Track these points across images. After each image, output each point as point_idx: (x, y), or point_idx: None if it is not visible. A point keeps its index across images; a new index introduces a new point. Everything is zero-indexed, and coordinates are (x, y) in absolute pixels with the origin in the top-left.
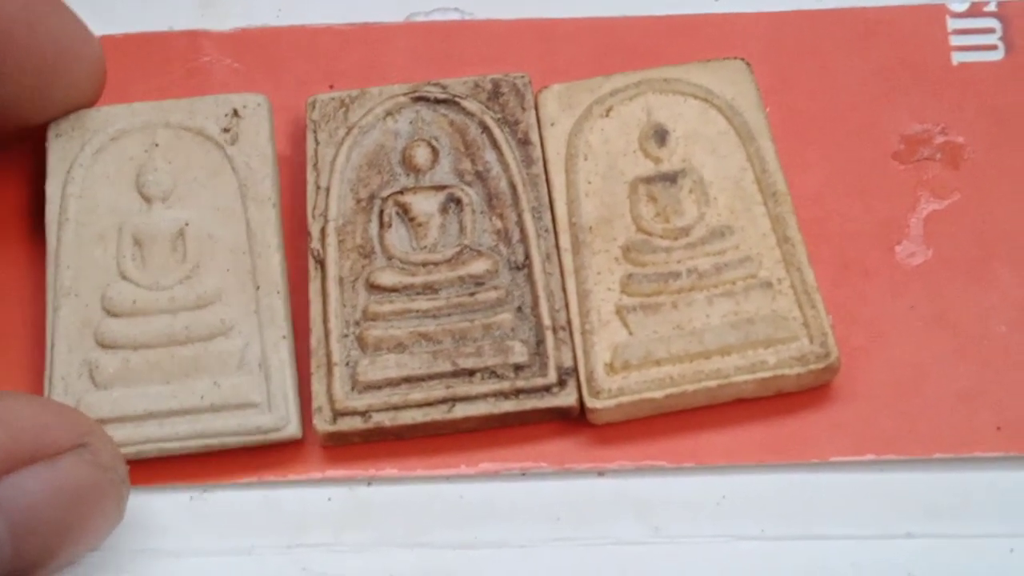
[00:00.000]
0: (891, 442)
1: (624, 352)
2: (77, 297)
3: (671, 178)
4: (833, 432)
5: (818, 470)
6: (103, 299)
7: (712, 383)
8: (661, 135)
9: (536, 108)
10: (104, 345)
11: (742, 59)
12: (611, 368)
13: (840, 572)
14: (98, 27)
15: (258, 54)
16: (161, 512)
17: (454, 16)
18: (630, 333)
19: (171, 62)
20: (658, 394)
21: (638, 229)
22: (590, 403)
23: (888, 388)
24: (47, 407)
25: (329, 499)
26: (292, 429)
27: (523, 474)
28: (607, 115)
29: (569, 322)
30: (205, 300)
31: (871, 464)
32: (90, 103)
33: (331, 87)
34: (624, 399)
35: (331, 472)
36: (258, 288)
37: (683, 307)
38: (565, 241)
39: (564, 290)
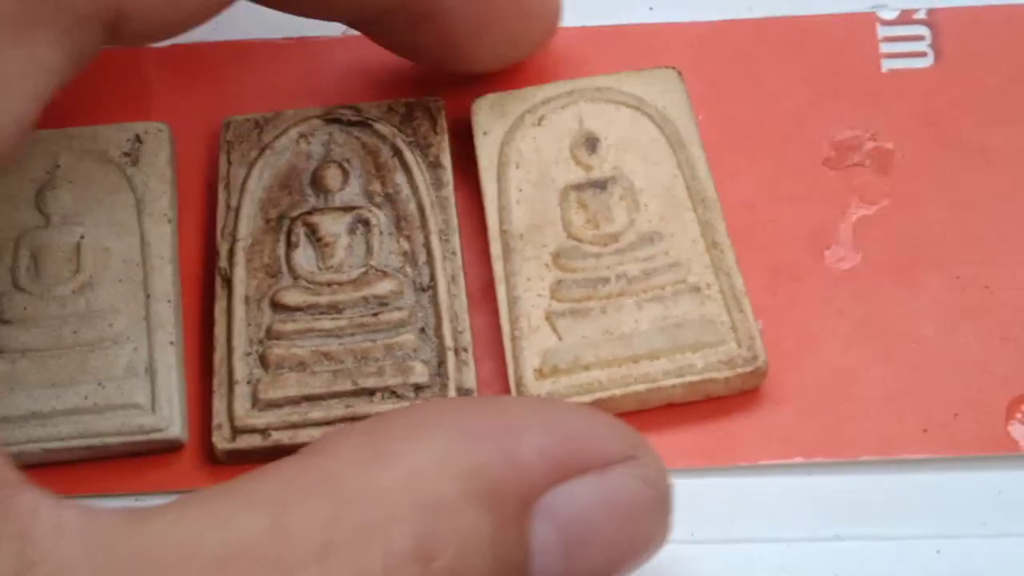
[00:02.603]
0: (819, 445)
1: (553, 357)
2: None
3: (601, 185)
4: (761, 435)
5: (747, 473)
6: None
7: (641, 387)
8: (592, 143)
9: (471, 116)
10: None
11: (673, 68)
12: (540, 373)
13: (769, 574)
14: None
15: (196, 69)
16: None
17: None
18: (559, 338)
19: (110, 77)
20: (587, 398)
21: (568, 236)
22: None
23: (816, 391)
24: (596, 417)
25: None
26: (175, 431)
27: None
28: (539, 124)
29: (500, 328)
30: (95, 307)
31: (799, 467)
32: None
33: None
34: None
35: None
36: (149, 296)
37: (612, 312)
38: (496, 249)
39: (497, 299)
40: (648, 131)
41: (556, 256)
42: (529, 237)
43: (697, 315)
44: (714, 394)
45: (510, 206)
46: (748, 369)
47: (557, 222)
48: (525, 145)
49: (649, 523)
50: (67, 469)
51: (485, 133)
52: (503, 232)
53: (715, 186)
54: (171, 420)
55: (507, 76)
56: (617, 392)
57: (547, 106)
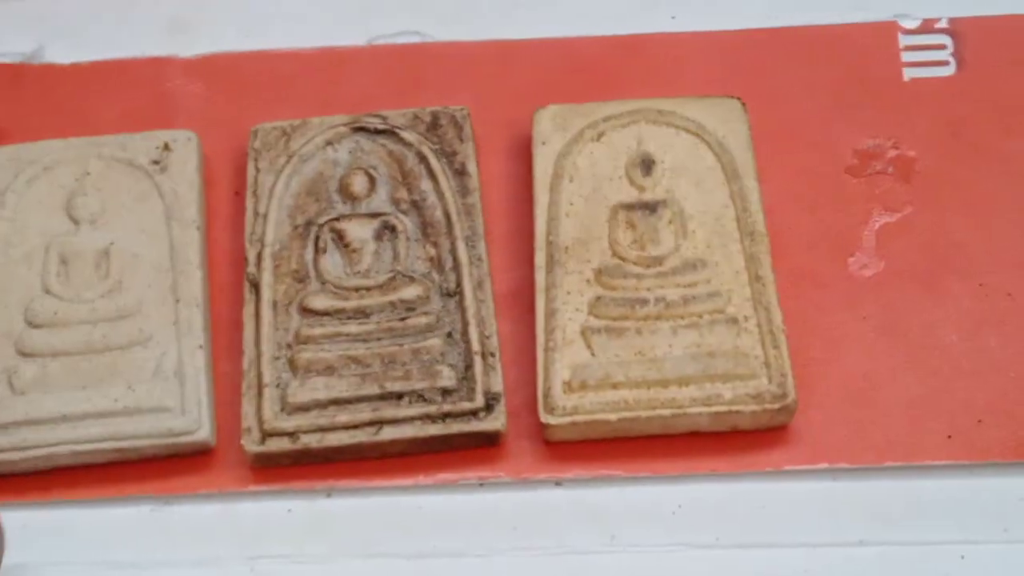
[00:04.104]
0: (844, 451)
1: (583, 372)
2: (1, 310)
3: (652, 207)
4: (787, 441)
5: (772, 479)
6: (26, 311)
7: (666, 412)
8: (647, 164)
9: (532, 126)
10: (23, 353)
11: (738, 99)
12: (569, 387)
13: None
14: (68, 55)
15: (223, 79)
16: (122, 523)
17: (416, 39)
18: (592, 354)
19: (139, 88)
20: (611, 416)
21: (613, 254)
22: (544, 419)
23: (841, 398)
24: None
25: (289, 510)
26: (203, 434)
27: (481, 484)
28: (598, 140)
29: (535, 338)
30: (125, 312)
31: (824, 472)
32: None
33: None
34: (578, 418)
35: (292, 483)
36: (178, 301)
37: (647, 334)
38: (540, 259)
39: (535, 308)
40: (705, 159)
41: (599, 273)
42: (574, 251)
43: (731, 346)
44: (740, 427)
45: (559, 218)
46: (776, 406)
47: (604, 239)
48: (582, 160)
49: None
50: (97, 471)
51: (543, 143)
52: (549, 243)
53: (765, 221)
54: (200, 423)
55: (532, 87)
56: (643, 414)
57: (608, 123)
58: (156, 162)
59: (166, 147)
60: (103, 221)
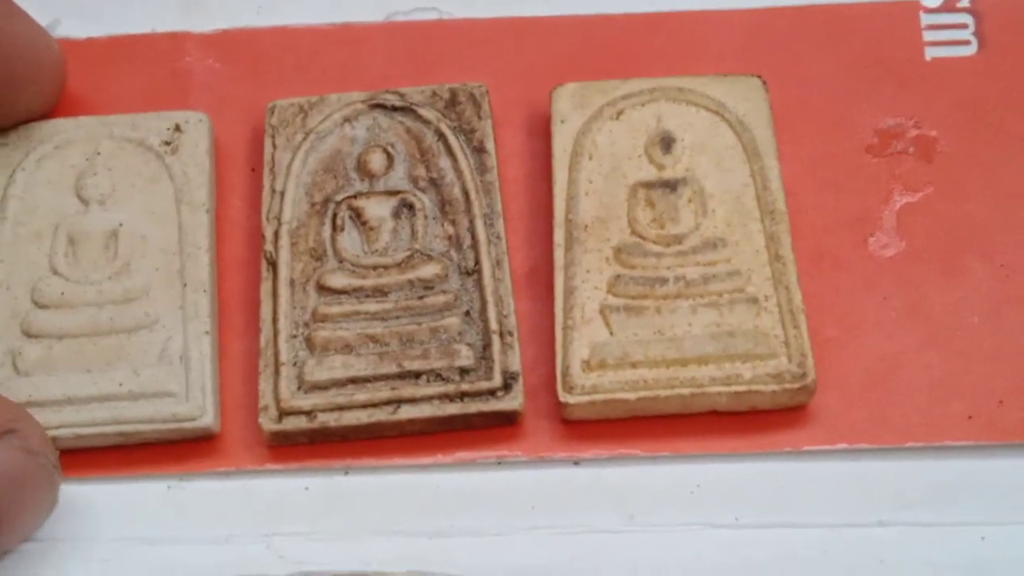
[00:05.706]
0: (864, 431)
1: (602, 351)
2: (8, 290)
3: (672, 186)
4: (806, 421)
5: (791, 459)
6: (33, 292)
7: (685, 391)
8: (667, 142)
9: (550, 103)
10: (29, 334)
11: (758, 76)
12: (588, 365)
13: (813, 560)
14: (83, 30)
15: (239, 54)
16: (139, 500)
17: (433, 15)
18: (611, 333)
19: (155, 63)
20: (630, 396)
21: (632, 232)
22: (563, 398)
23: (861, 378)
24: None
25: (306, 488)
26: (207, 420)
27: (499, 463)
28: (617, 118)
29: (553, 317)
30: (132, 294)
31: (844, 453)
32: (50, 107)
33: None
34: (597, 397)
35: (309, 461)
36: (185, 286)
37: (666, 313)
38: (559, 237)
39: (553, 286)
40: (725, 137)
41: (618, 251)
42: (593, 229)
43: (751, 326)
44: (759, 406)
45: (578, 196)
46: (796, 385)
47: (623, 217)
48: (601, 137)
49: (31, 491)
50: (110, 452)
51: (562, 121)
52: (568, 221)
53: (786, 199)
54: (204, 409)
55: (550, 65)
56: (662, 393)
57: (627, 101)
58: (167, 143)
59: (177, 128)
60: (112, 202)
